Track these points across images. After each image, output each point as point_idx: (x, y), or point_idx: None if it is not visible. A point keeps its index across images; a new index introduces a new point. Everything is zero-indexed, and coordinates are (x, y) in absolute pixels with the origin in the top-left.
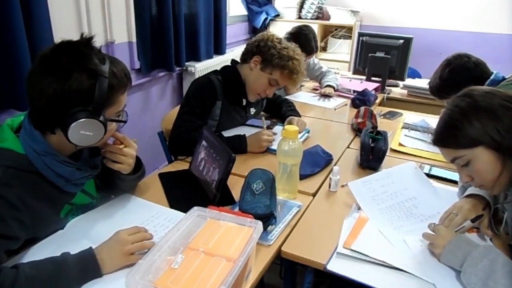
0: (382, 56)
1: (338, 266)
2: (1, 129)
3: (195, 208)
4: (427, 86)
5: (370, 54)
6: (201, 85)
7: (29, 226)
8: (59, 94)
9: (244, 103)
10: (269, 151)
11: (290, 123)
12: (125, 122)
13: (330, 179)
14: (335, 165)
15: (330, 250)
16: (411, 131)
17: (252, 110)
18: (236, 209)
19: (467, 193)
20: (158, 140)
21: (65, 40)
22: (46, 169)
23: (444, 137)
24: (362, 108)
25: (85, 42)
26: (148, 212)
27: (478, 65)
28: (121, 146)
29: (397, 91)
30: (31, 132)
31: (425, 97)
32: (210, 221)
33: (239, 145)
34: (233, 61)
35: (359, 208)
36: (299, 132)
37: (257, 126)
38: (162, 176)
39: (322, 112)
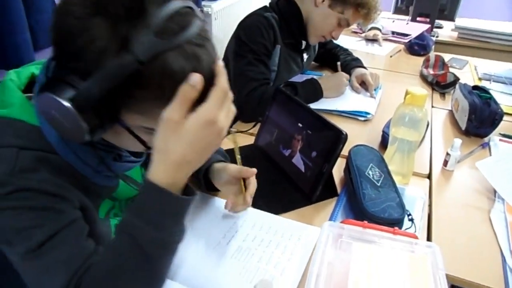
0: None
1: None
2: (2, 87)
3: (327, 224)
4: (483, 28)
5: None
6: (257, 26)
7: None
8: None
9: (302, 47)
10: (330, 112)
11: (361, 77)
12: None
13: (448, 155)
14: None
15: (495, 266)
16: (493, 83)
17: (305, 57)
18: (340, 206)
19: None
20: None
21: None
22: (66, 151)
23: None
24: (432, 56)
25: None
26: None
27: None
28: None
29: (444, 34)
30: None
31: (480, 41)
32: (357, 246)
33: (313, 91)
34: None
35: (495, 193)
36: (375, 88)
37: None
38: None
39: (375, 61)
